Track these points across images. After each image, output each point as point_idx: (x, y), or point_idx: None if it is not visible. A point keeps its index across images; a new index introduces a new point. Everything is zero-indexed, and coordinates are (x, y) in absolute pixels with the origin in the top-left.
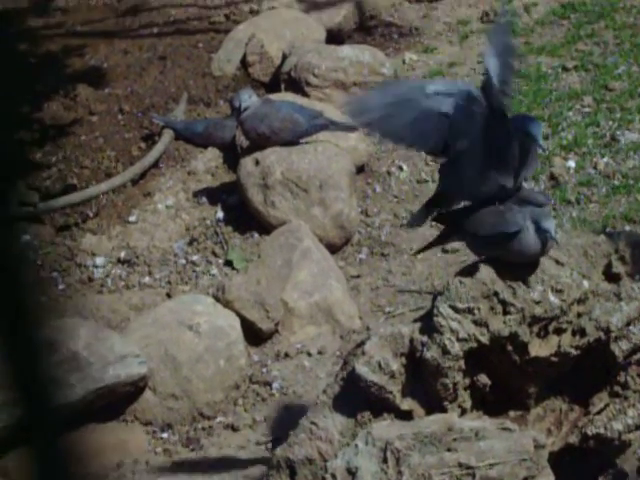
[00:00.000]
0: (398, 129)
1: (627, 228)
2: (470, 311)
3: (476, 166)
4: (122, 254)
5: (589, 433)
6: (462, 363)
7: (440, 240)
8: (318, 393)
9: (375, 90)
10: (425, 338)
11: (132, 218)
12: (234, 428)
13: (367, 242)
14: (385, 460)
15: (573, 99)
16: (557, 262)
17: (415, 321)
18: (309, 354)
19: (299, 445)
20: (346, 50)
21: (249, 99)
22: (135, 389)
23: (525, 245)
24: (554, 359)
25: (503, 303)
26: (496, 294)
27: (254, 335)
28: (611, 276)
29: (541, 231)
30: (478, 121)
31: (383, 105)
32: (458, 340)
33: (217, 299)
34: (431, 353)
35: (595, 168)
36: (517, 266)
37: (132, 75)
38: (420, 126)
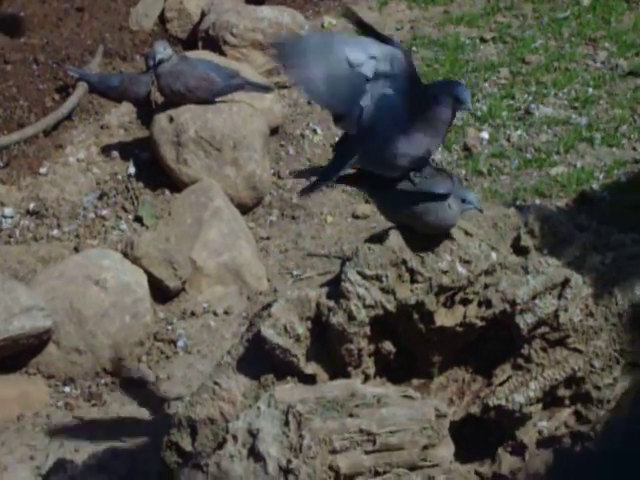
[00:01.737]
0: (317, 83)
1: (537, 202)
2: (378, 278)
3: (401, 132)
4: (31, 205)
5: (490, 404)
6: (367, 330)
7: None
8: (222, 353)
9: (306, 36)
10: (332, 303)
11: (43, 170)
12: (137, 385)
13: (278, 204)
14: (287, 423)
15: (489, 70)
16: (466, 233)
17: (322, 286)
18: (215, 314)
19: (201, 405)
20: (265, 11)
21: (164, 51)
22: (39, 342)
23: (445, 215)
24: (459, 329)
25: (411, 271)
26: (404, 262)
27: (161, 292)
28: (519, 249)
29: (465, 203)
30: (400, 85)
31: (309, 52)
32: (364, 306)
33: (125, 255)
34: (337, 318)
35: (508, 140)
36: (427, 235)
37: (48, 25)
38: (338, 84)
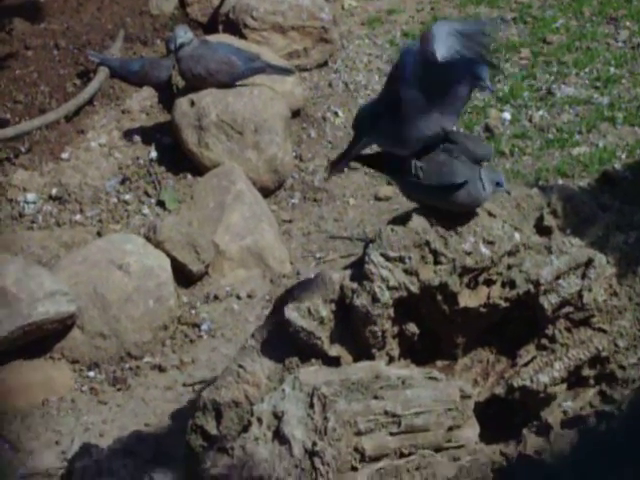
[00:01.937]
0: None
1: (560, 182)
2: (401, 260)
3: (417, 110)
4: (54, 191)
5: (515, 385)
6: (391, 311)
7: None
8: (247, 337)
9: None
10: (355, 285)
11: (65, 155)
12: (161, 369)
13: (300, 187)
14: (312, 405)
15: (511, 51)
16: (489, 214)
17: (346, 268)
18: (238, 297)
19: (226, 388)
20: None
21: (185, 35)
22: (63, 327)
23: (471, 196)
24: (483, 310)
25: (434, 253)
26: (428, 244)
27: (184, 276)
28: (542, 229)
29: (493, 183)
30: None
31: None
32: (388, 288)
33: (148, 239)
34: (361, 300)
35: (530, 121)
36: (450, 216)
37: (69, 10)
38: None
